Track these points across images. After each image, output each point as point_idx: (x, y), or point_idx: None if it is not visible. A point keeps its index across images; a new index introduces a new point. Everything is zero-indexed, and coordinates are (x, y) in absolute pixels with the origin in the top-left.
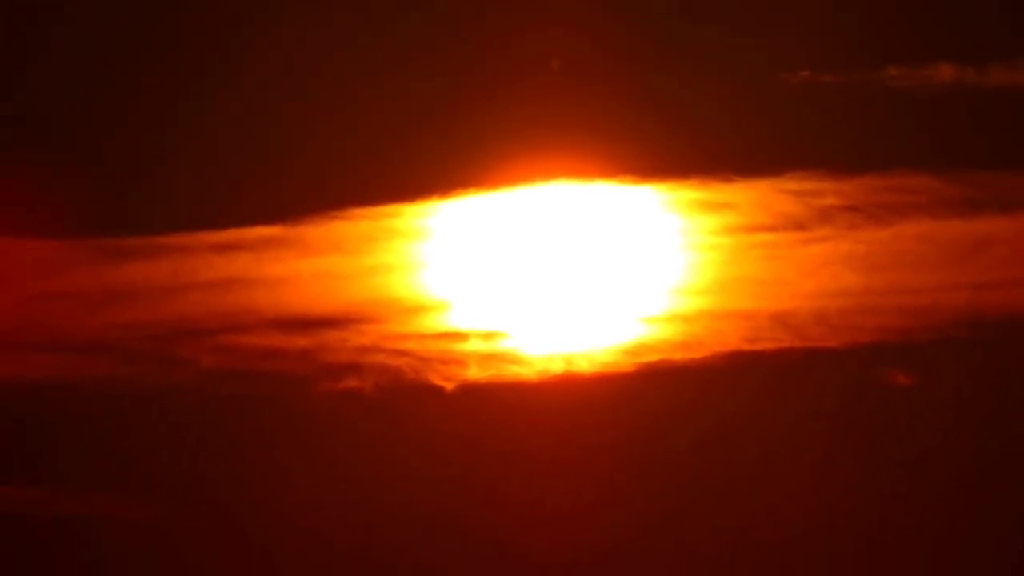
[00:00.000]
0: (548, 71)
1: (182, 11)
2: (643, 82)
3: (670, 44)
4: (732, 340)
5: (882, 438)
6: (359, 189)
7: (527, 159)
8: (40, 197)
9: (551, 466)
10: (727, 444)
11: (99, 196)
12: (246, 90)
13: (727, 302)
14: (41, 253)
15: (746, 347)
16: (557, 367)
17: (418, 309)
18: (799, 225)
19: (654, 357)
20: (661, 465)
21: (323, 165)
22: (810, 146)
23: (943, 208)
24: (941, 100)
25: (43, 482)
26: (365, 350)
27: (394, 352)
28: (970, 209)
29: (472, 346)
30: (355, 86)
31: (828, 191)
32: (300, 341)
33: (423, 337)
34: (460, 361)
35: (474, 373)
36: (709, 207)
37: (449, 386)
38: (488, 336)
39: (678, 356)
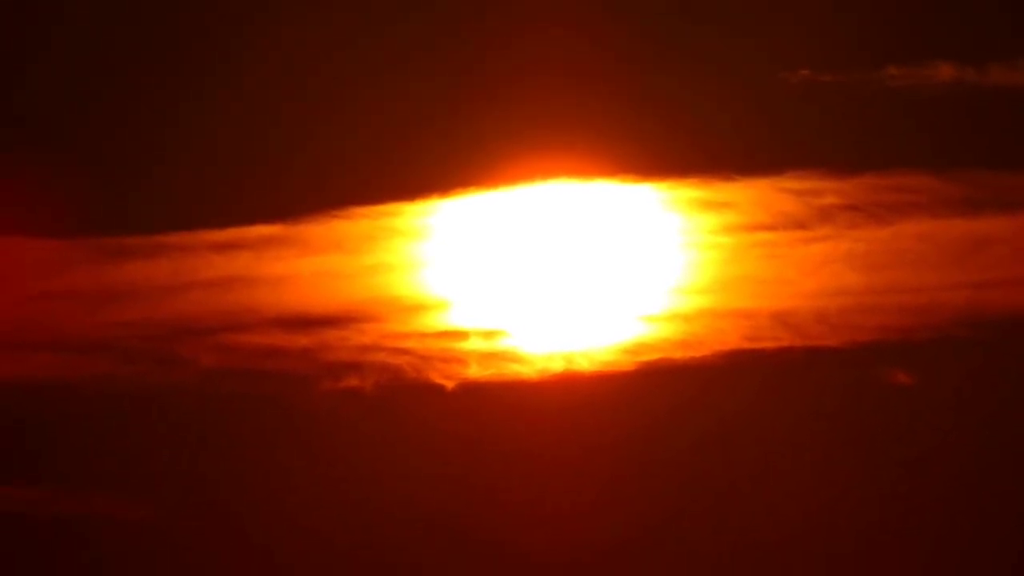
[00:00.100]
0: (548, 71)
1: (182, 11)
2: (643, 81)
3: (670, 44)
4: (732, 339)
5: (882, 437)
6: (359, 188)
7: (527, 158)
8: (40, 197)
9: (551, 465)
10: (727, 443)
11: (99, 196)
12: (246, 90)
13: (727, 301)
14: (42, 252)
15: (746, 346)
16: (557, 366)
17: (418, 308)
18: (799, 224)
19: (654, 356)
20: (661, 464)
21: (323, 164)
22: (810, 145)
23: (943, 207)
24: (941, 100)
25: (43, 481)
26: (366, 349)
27: (395, 351)
28: (970, 208)
29: (473, 345)
30: (355, 86)
31: (828, 190)
32: (301, 340)
33: (424, 336)
34: (461, 360)
35: (475, 372)
36: (709, 206)
37: (450, 385)
38: (488, 335)
39: (678, 355)
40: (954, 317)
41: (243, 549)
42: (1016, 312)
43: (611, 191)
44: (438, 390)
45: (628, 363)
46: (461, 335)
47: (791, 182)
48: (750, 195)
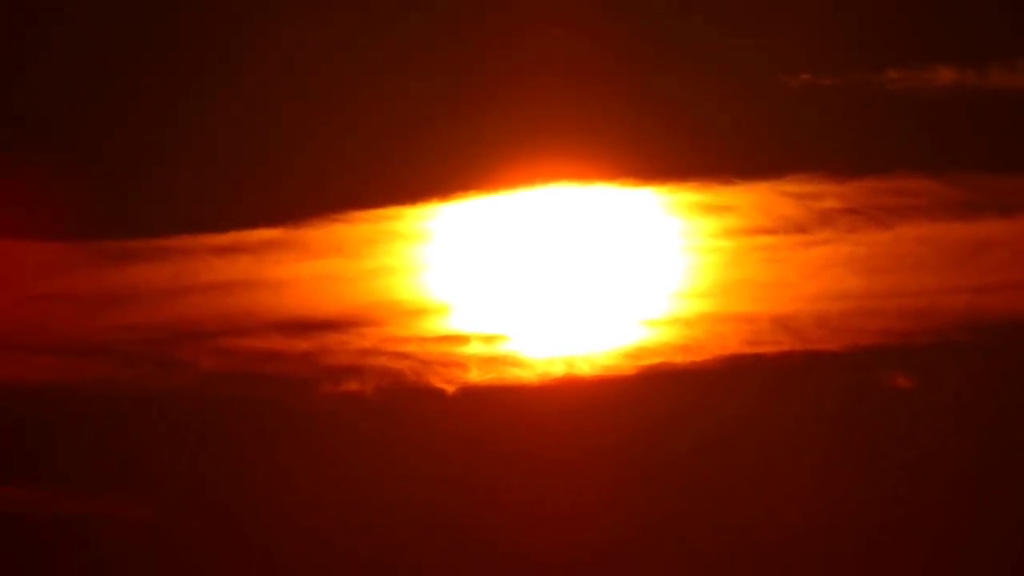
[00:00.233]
0: (548, 75)
1: (182, 10)
2: (644, 85)
3: (670, 47)
4: (733, 343)
5: (882, 441)
6: (360, 192)
7: (528, 162)
8: (41, 200)
9: (552, 468)
10: (728, 447)
11: (101, 199)
12: (247, 94)
13: (728, 305)
14: (43, 255)
15: (747, 350)
16: (558, 370)
17: (419, 312)
18: (799, 228)
19: (655, 360)
20: (662, 468)
21: (324, 168)
22: (810, 149)
23: (943, 211)
24: (941, 103)
25: (44, 482)
26: (366, 353)
27: (395, 355)
28: (970, 212)
29: (473, 349)
30: (355, 90)
31: (828, 194)
32: (301, 344)
33: (424, 340)
34: (461, 364)
35: (475, 376)
36: (709, 210)
37: (450, 389)
38: (489, 339)
39: (679, 359)
40: (954, 321)
41: (243, 551)
42: (1016, 316)
43: (611, 195)
44: (439, 394)
45: (629, 367)
46: (462, 339)
47: (791, 186)
48: (750, 199)
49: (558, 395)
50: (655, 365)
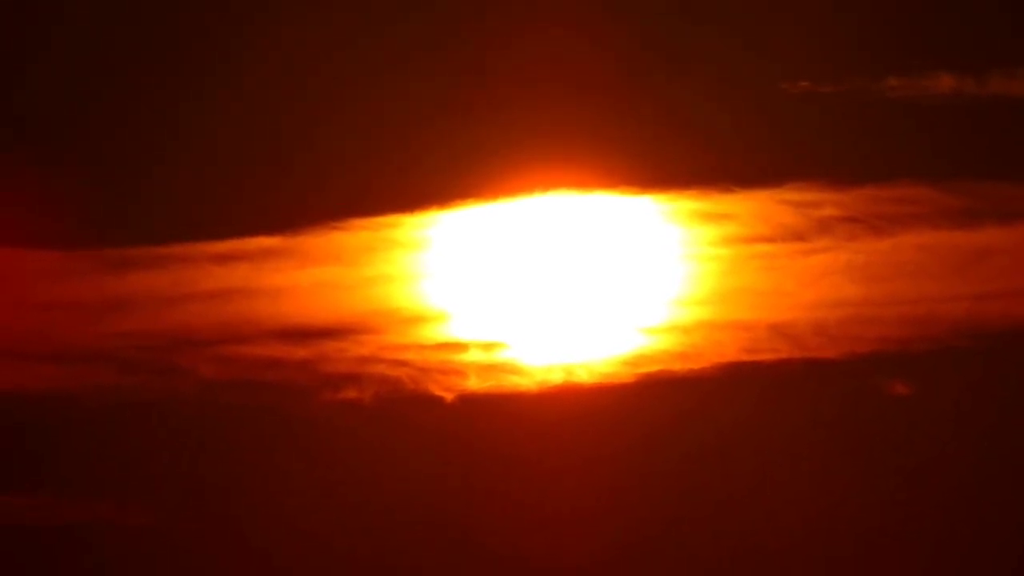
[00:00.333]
0: (547, 83)
1: (181, 15)
2: (643, 93)
3: (670, 54)
4: (731, 351)
5: (881, 448)
6: (358, 200)
7: (527, 170)
8: (43, 209)
9: (551, 475)
10: (726, 454)
11: (101, 207)
12: (246, 103)
13: (726, 313)
14: (43, 263)
15: (745, 358)
16: (557, 377)
17: (418, 319)
18: (798, 236)
19: (653, 368)
20: (660, 475)
21: (323, 176)
22: (810, 156)
23: (942, 218)
24: (940, 110)
25: (45, 489)
26: (365, 360)
27: (394, 362)
28: (969, 219)
29: (472, 356)
30: (354, 99)
31: (827, 202)
32: (300, 351)
33: (423, 347)
34: (460, 371)
35: (474, 383)
36: (709, 218)
37: (449, 396)
38: (488, 346)
39: (677, 367)
40: (953, 328)
41: (243, 557)
42: (1016, 323)
43: (610, 203)
44: (437, 402)
45: (627, 375)
46: (460, 347)
47: (790, 194)
48: (749, 207)
49: (557, 402)
50: (654, 372)
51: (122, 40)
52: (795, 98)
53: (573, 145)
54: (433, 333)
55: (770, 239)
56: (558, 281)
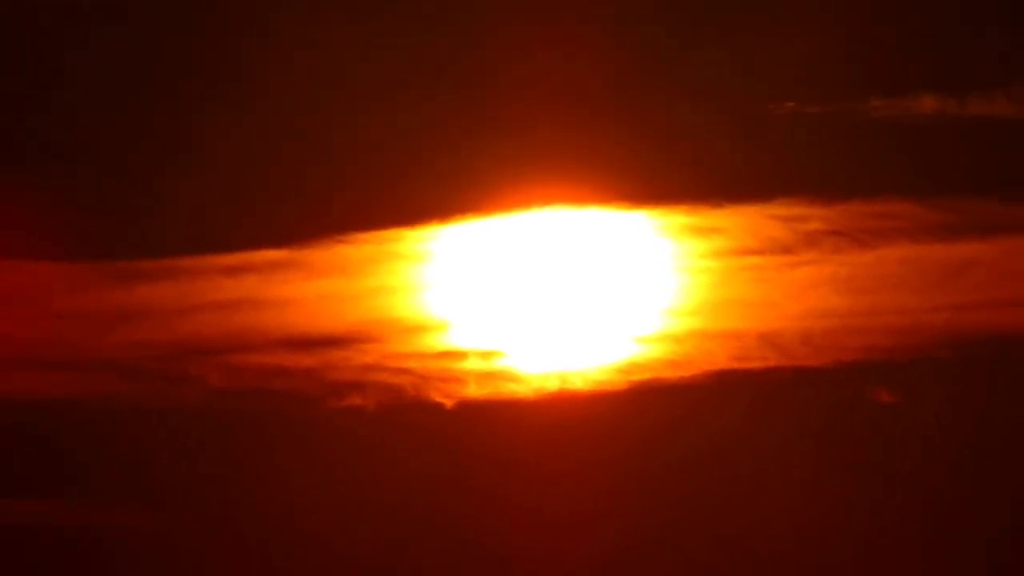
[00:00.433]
0: (544, 102)
1: (189, 34)
2: (637, 113)
3: (664, 77)
4: (721, 359)
5: (867, 454)
6: (362, 215)
7: (524, 186)
8: (54, 222)
9: (547, 479)
10: (717, 460)
11: (112, 221)
12: (254, 121)
13: (716, 323)
14: (56, 275)
15: (734, 366)
16: (553, 385)
17: (419, 329)
18: (786, 249)
19: (646, 375)
20: (653, 480)
21: (328, 192)
22: (797, 174)
23: (925, 233)
24: (923, 130)
25: (56, 494)
26: (368, 369)
27: (396, 370)
28: (951, 234)
29: (471, 365)
30: (358, 119)
31: (814, 216)
32: (305, 360)
33: (423, 356)
34: (459, 379)
35: (473, 390)
36: (699, 232)
37: (449, 403)
38: (486, 355)
39: (669, 374)
40: (936, 338)
41: (250, 561)
42: (995, 332)
43: (605, 217)
44: (437, 408)
45: (621, 382)
46: (460, 355)
47: (778, 209)
48: (739, 221)
49: (553, 409)
50: (646, 380)
51: (132, 56)
52: (783, 118)
53: (569, 162)
54: (434, 342)
55: (759, 252)
56: (554, 292)
